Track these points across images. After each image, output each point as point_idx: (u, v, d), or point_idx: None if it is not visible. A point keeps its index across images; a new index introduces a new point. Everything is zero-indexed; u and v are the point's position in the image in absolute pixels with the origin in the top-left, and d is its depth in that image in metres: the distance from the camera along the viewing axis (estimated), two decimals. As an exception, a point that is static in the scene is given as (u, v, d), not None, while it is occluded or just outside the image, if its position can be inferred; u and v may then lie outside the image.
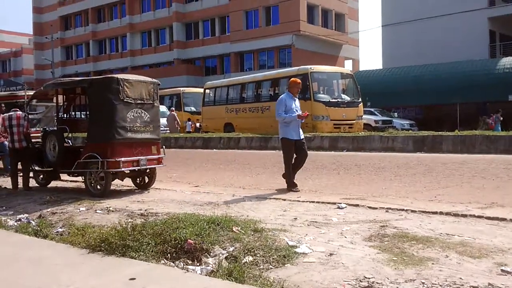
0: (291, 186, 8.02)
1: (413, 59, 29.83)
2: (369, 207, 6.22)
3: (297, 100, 8.32)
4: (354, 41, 46.97)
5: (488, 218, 5.36)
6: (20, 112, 9.66)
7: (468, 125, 21.02)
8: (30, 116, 10.57)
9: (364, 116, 20.85)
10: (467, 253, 4.10)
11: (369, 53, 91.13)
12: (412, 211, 5.88)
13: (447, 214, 5.65)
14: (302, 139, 8.23)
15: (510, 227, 5.02)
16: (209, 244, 4.58)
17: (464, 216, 5.52)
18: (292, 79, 8.49)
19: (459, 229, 4.96)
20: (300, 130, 8.25)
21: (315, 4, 39.36)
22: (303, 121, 8.29)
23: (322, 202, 6.67)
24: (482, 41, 29.13)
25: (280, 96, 8.39)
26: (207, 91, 25.25)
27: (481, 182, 8.15)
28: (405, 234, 4.76)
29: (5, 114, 9.84)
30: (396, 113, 27.26)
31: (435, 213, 5.71)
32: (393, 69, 29.92)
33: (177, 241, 4.60)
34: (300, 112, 8.08)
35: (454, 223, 5.26)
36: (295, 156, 8.13)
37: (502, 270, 3.65)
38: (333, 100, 18.78)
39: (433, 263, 3.87)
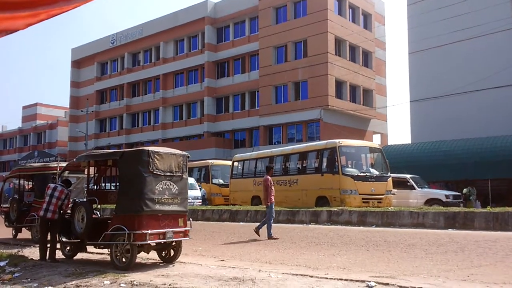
0: None
1: (442, 133, 29.69)
2: (400, 286, 6.00)
3: None
4: (382, 115, 47.18)
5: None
6: (66, 190, 9.82)
7: (501, 201, 20.49)
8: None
9: (432, 190, 20.64)
10: None
11: (398, 127, 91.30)
12: (445, 291, 5.65)
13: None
14: None
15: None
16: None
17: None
18: None
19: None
20: None
21: (343, 80, 40.04)
22: None
23: (351, 280, 6.48)
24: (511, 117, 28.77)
25: None
26: (236, 163, 25.46)
27: (517, 261, 7.83)
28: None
29: (51, 184, 10.06)
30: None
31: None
32: (422, 143, 29.75)
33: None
34: None
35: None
36: None
37: None
38: (362, 174, 18.65)
39: None
